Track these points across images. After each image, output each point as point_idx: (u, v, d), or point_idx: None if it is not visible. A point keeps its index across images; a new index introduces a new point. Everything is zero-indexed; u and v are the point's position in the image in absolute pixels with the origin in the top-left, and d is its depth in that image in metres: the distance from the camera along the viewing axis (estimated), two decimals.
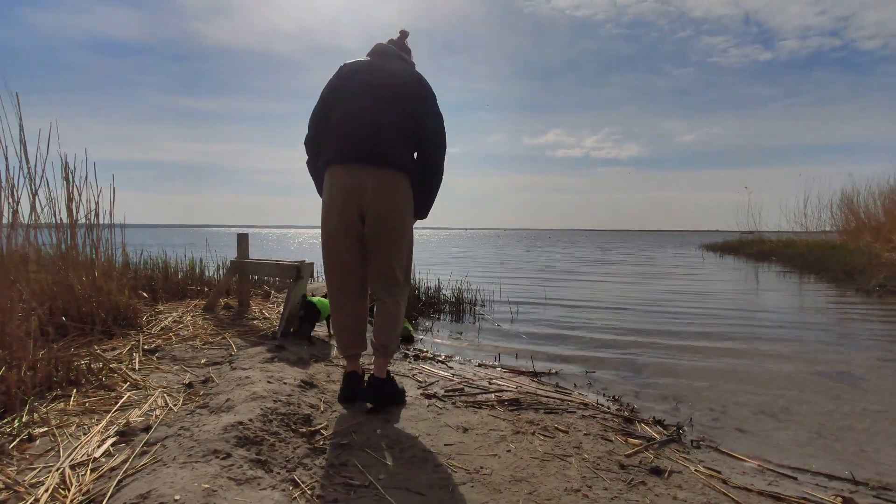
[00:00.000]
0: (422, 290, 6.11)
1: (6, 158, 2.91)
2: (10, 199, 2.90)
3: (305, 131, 2.42)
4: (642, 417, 2.50)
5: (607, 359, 3.81)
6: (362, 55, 2.45)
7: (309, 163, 2.44)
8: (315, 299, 3.52)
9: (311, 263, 3.72)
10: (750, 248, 20.12)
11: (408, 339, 4.20)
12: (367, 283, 2.39)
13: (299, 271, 3.46)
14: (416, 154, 2.34)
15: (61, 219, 3.48)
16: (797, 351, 4.09)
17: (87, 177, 3.55)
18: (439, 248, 26.70)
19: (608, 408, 2.63)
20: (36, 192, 3.13)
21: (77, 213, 3.56)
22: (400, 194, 2.25)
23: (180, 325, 3.67)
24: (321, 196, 2.35)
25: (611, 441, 2.11)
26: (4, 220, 2.84)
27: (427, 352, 3.74)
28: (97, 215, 3.68)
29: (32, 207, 3.16)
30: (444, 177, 2.41)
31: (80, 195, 3.56)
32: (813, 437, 2.41)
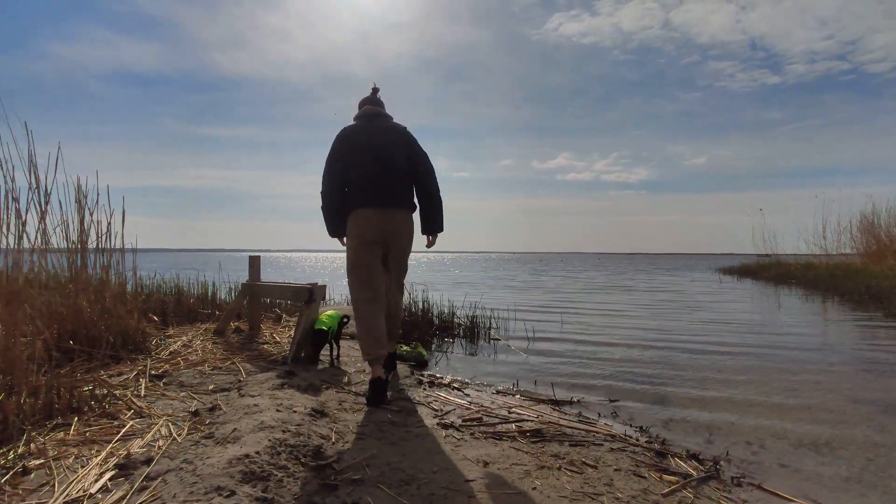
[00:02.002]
0: (435, 313, 5.98)
1: (12, 181, 2.88)
2: (18, 222, 2.86)
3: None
4: (675, 451, 2.32)
5: (631, 387, 3.63)
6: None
7: (324, 207, 3.00)
8: (324, 316, 3.43)
9: (324, 286, 3.62)
10: (768, 271, 19.73)
11: (421, 364, 4.07)
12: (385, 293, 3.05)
13: (311, 294, 3.37)
14: (416, 186, 3.04)
15: (72, 242, 3.45)
16: (831, 379, 3.87)
17: (98, 200, 3.52)
18: (447, 271, 26.60)
19: (637, 440, 2.46)
20: (44, 215, 3.09)
21: (88, 236, 3.53)
22: (412, 229, 3.06)
23: (189, 350, 3.57)
24: (332, 233, 3.07)
25: (644, 477, 1.94)
26: (12, 243, 2.79)
27: (442, 377, 3.60)
28: (109, 239, 3.65)
29: (42, 230, 3.13)
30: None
31: (91, 218, 3.52)
32: (863, 474, 2.21)
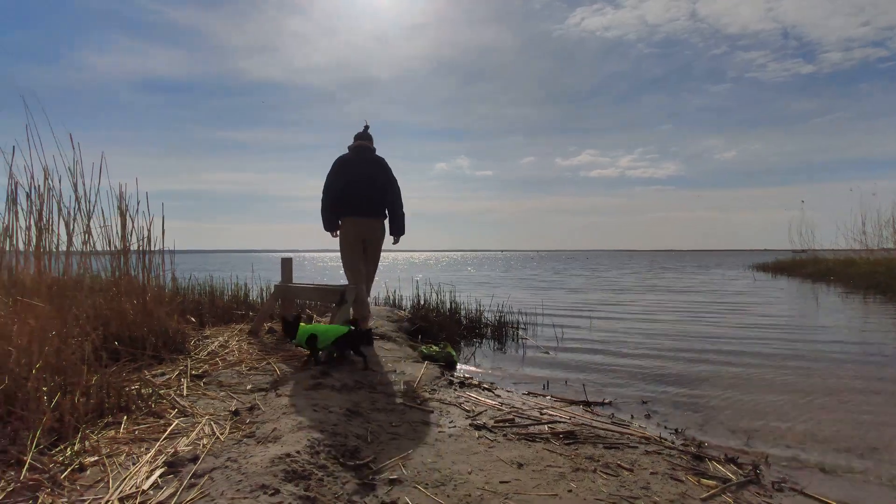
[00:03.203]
0: (462, 313, 5.99)
1: (60, 192, 3.02)
2: (66, 228, 3.00)
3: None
4: (712, 454, 2.29)
5: (663, 388, 3.59)
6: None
7: (323, 212, 4.13)
8: (320, 329, 3.38)
9: (355, 287, 3.68)
10: (805, 267, 19.10)
11: (450, 365, 4.09)
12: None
13: (343, 295, 3.43)
14: (386, 203, 4.18)
15: (115, 246, 3.59)
16: (874, 381, 3.74)
17: (139, 206, 3.66)
18: (461, 270, 26.57)
19: (672, 443, 2.43)
20: (89, 220, 3.24)
21: (130, 240, 3.67)
22: (384, 233, 4.23)
23: (226, 350, 3.68)
24: (328, 229, 4.18)
25: (681, 481, 1.92)
26: (62, 248, 2.93)
27: (472, 378, 3.62)
28: (149, 242, 3.78)
29: (87, 234, 3.27)
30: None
31: (133, 224, 3.66)
32: None
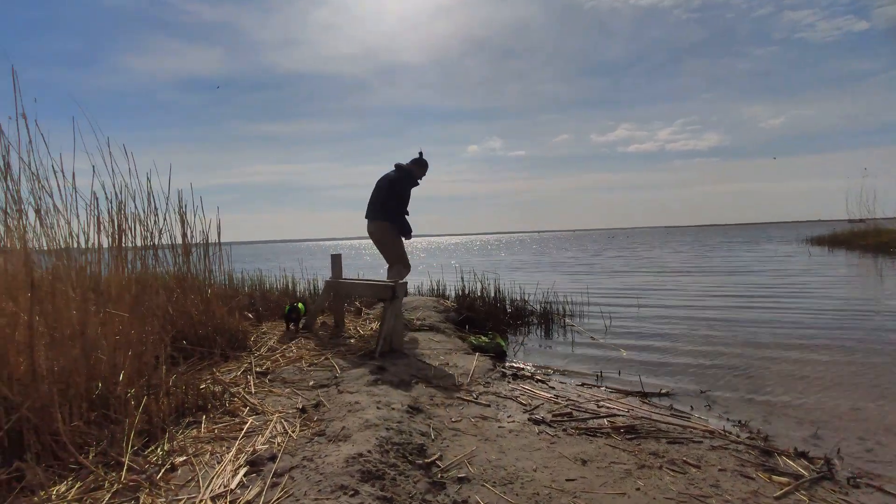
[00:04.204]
0: (508, 301, 6.00)
1: (133, 199, 3.18)
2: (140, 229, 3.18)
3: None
4: (781, 448, 2.24)
5: (721, 376, 3.51)
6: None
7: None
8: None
9: (405, 283, 3.74)
10: (864, 239, 18.08)
11: (500, 354, 4.13)
12: None
13: (394, 291, 3.50)
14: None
15: (176, 245, 3.77)
16: None
17: (194, 204, 3.82)
18: (494, 254, 26.43)
19: (738, 436, 2.39)
20: (156, 220, 3.41)
21: (190, 239, 3.85)
22: (384, 233, 4.66)
23: (284, 346, 3.83)
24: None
25: (752, 478, 1.90)
26: (131, 244, 3.09)
27: (524, 369, 3.64)
28: (207, 241, 3.96)
29: (157, 234, 3.44)
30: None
31: (191, 221, 3.83)
32: None
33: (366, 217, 4.79)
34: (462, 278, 6.33)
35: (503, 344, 4.24)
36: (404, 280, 3.63)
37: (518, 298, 6.12)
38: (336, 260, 4.50)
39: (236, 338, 3.67)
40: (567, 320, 5.76)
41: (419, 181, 4.98)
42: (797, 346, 4.28)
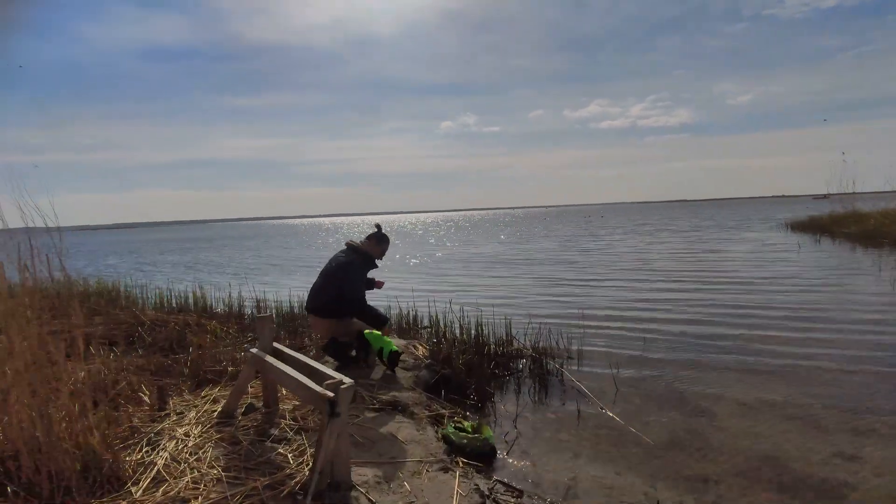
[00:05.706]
0: (491, 341, 4.90)
1: None
2: None
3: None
4: None
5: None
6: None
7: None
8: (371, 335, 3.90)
9: (351, 387, 2.53)
10: (846, 226, 17.64)
11: (488, 457, 3.04)
12: None
13: (334, 406, 2.32)
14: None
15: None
16: None
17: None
18: (487, 238, 25.40)
19: None
20: None
21: None
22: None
23: (178, 465, 2.64)
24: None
25: None
26: None
27: (526, 493, 2.57)
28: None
29: None
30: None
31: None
32: None
33: (306, 309, 4.18)
34: (436, 314, 5.23)
35: (491, 437, 3.14)
36: (348, 383, 2.46)
37: (503, 335, 5.04)
38: (264, 324, 3.27)
39: (100, 469, 2.46)
40: (564, 372, 4.65)
41: (378, 263, 4.31)
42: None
